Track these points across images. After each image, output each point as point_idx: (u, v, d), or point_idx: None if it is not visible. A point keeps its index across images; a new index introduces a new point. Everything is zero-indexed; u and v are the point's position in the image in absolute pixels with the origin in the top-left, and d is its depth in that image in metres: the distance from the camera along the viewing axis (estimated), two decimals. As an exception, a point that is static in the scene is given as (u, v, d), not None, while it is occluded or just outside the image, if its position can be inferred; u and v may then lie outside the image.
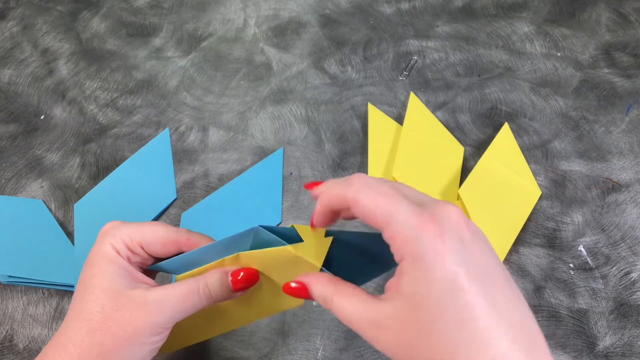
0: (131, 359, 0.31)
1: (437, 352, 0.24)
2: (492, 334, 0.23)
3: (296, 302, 0.36)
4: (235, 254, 0.34)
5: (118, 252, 0.33)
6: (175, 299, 0.32)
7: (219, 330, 0.39)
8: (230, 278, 0.33)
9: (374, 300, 0.27)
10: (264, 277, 0.35)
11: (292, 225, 0.34)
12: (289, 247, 0.32)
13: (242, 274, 0.33)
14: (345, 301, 0.28)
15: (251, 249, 0.34)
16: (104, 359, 0.31)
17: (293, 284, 0.31)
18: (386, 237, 0.26)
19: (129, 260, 0.34)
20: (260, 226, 0.33)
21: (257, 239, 0.34)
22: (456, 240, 0.24)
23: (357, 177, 0.28)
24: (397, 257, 0.26)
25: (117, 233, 0.34)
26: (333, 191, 0.29)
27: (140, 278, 0.34)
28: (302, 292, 0.31)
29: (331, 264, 0.35)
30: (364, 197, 0.27)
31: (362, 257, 0.35)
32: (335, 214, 0.31)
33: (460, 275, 0.23)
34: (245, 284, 0.33)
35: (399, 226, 0.25)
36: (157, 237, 0.34)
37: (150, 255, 0.35)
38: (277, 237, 0.33)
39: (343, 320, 0.28)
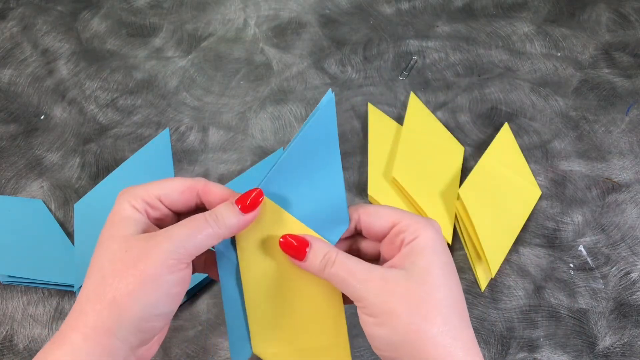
0: (148, 304, 0.29)
1: (423, 308, 0.29)
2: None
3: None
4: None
5: (135, 208, 0.32)
6: (183, 226, 0.31)
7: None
8: (238, 206, 0.32)
9: (378, 265, 0.31)
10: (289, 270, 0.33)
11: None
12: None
13: (253, 195, 0.32)
14: (349, 259, 0.31)
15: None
16: (119, 307, 0.29)
17: (292, 240, 0.32)
18: (394, 230, 0.32)
19: (147, 214, 0.33)
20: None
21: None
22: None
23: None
24: (407, 239, 0.31)
25: (132, 191, 0.33)
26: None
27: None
28: (299, 250, 0.32)
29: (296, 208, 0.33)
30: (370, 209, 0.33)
31: (308, 173, 0.33)
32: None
33: (449, 264, 0.31)
34: (251, 203, 0.32)
35: (410, 220, 0.32)
36: (173, 186, 0.34)
37: (169, 209, 0.34)
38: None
39: (342, 278, 0.30)
